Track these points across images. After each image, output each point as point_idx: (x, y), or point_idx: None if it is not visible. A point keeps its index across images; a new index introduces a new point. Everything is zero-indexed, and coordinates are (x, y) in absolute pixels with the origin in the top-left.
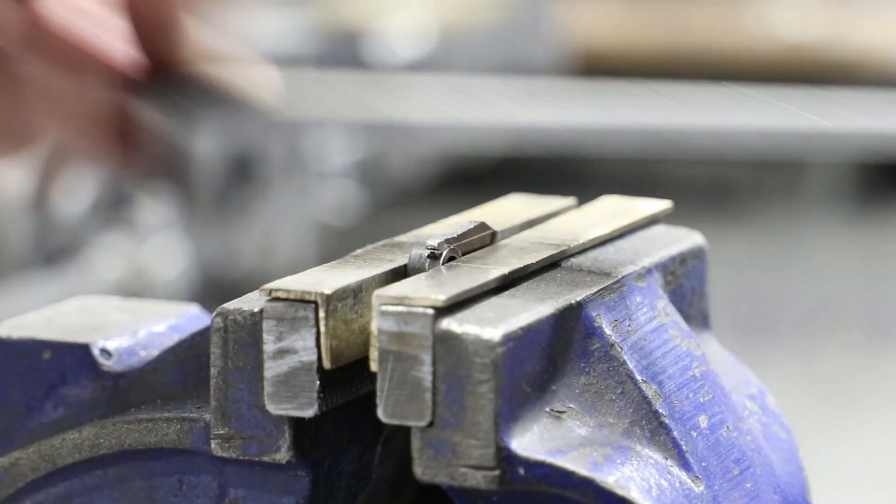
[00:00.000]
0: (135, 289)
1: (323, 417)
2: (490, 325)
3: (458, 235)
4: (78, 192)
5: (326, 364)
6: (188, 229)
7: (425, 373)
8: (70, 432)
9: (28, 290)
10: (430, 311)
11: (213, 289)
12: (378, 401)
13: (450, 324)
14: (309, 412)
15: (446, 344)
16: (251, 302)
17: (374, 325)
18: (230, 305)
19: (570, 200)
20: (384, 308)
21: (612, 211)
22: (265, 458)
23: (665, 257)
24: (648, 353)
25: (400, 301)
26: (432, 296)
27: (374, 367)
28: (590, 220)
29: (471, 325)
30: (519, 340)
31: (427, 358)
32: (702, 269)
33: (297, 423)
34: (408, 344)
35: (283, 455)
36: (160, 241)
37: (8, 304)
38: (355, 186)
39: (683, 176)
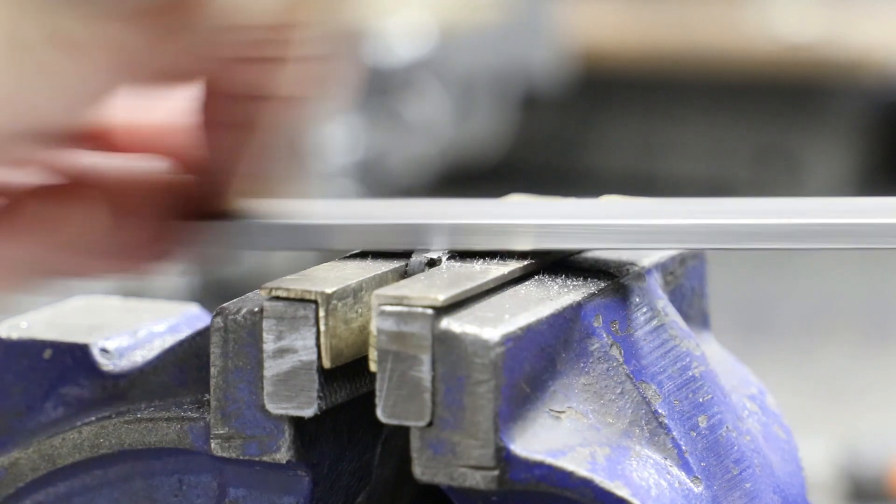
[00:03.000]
0: (135, 289)
1: (323, 417)
2: (489, 325)
3: None
4: None
5: (326, 363)
6: None
7: (424, 373)
8: (70, 432)
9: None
10: (430, 311)
11: (213, 289)
12: (377, 401)
13: (449, 324)
14: (309, 412)
15: (445, 344)
16: (251, 301)
17: (374, 325)
18: (230, 305)
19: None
20: (383, 308)
21: None
22: (265, 458)
23: (665, 257)
24: (648, 353)
25: (399, 301)
26: (431, 295)
27: (373, 366)
28: None
29: (470, 325)
30: (518, 340)
31: (426, 358)
32: (701, 269)
33: (297, 423)
34: (407, 344)
35: (283, 455)
36: None
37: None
38: (355, 186)
39: (683, 175)
